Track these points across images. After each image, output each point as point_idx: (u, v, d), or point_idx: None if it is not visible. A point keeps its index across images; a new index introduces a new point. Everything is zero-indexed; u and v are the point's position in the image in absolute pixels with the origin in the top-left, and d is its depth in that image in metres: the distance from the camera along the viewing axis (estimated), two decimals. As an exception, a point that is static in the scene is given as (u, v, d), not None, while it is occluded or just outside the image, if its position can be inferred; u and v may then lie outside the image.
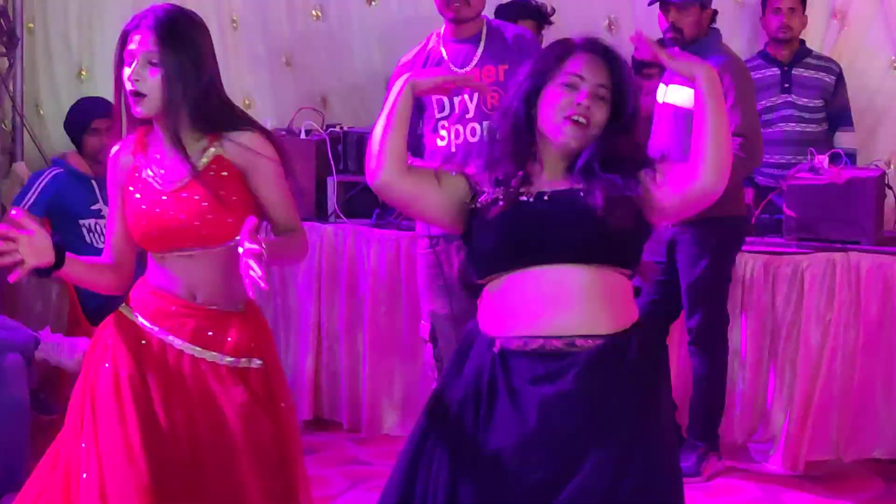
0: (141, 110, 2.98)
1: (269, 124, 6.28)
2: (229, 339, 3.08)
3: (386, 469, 5.12)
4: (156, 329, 3.09)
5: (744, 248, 5.51)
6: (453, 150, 4.92)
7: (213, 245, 3.03)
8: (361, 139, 5.97)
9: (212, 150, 3.03)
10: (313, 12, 7.26)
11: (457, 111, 4.95)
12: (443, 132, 5.02)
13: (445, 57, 5.03)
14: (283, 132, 6.26)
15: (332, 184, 6.12)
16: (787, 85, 6.13)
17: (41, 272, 3.01)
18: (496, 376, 3.15)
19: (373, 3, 7.19)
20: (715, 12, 5.45)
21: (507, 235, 3.17)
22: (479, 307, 3.29)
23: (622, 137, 3.23)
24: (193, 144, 3.02)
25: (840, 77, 6.19)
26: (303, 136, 6.14)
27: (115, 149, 3.16)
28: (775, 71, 6.13)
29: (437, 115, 4.90)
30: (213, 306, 3.10)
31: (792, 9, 6.09)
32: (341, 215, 6.07)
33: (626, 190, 3.11)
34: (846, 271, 5.48)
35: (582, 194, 3.12)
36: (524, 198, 3.17)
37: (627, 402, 3.15)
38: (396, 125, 3.25)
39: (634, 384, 3.19)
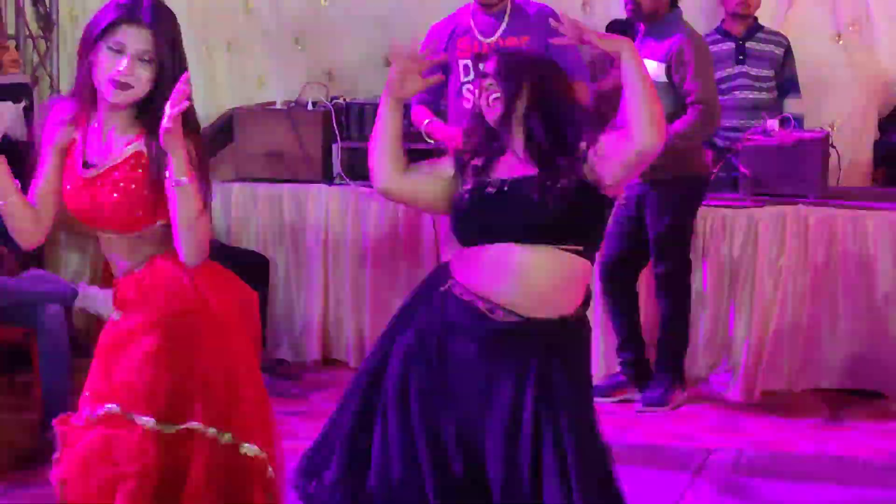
0: (120, 100, 2.78)
1: (280, 98, 6.52)
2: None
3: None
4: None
5: (704, 203, 5.53)
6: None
7: (125, 231, 2.86)
8: (363, 109, 6.07)
9: (135, 145, 2.82)
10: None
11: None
12: (468, 95, 4.95)
13: (473, 26, 5.00)
14: (293, 104, 6.32)
15: (336, 150, 6.14)
16: (741, 57, 6.13)
17: None
18: (444, 318, 3.23)
19: None
20: None
21: (462, 220, 3.26)
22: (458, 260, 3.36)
23: (558, 121, 3.28)
24: (125, 131, 2.83)
25: (788, 49, 6.19)
26: (310, 107, 6.16)
27: (57, 109, 2.97)
28: (731, 44, 6.13)
29: (463, 80, 4.89)
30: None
31: None
32: (345, 178, 6.08)
33: (565, 176, 3.16)
34: (795, 222, 5.55)
35: (536, 183, 3.20)
36: (490, 189, 3.21)
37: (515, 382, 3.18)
38: (388, 137, 3.32)
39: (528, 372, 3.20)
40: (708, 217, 5.63)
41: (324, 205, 6.18)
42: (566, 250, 3.15)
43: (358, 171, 5.97)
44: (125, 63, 2.74)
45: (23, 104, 6.28)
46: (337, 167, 6.21)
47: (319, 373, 6.15)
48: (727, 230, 5.66)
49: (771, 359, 5.61)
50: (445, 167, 3.44)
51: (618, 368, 5.67)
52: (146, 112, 2.78)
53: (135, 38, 2.73)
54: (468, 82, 4.91)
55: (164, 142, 2.68)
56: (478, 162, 3.31)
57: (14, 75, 6.44)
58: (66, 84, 7.14)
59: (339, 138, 6.15)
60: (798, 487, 4.73)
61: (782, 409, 5.54)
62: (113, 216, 2.82)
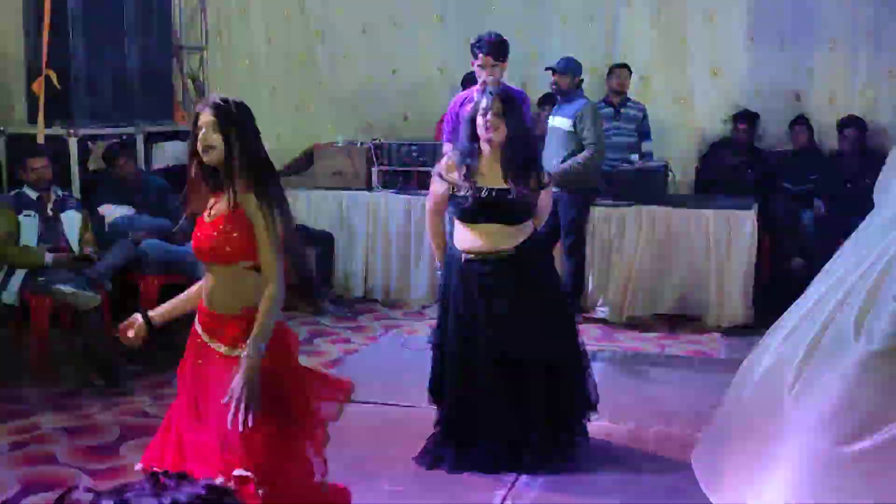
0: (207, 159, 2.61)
1: (341, 138, 6.81)
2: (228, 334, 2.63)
3: (403, 321, 6.12)
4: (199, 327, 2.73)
5: (594, 203, 5.87)
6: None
7: (219, 263, 2.66)
8: (390, 146, 6.52)
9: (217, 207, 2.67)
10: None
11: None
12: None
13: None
14: (349, 142, 6.74)
15: (374, 170, 6.52)
16: (617, 117, 6.42)
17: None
18: (456, 266, 3.61)
19: (395, 72, 7.47)
20: (581, 80, 5.74)
21: (462, 211, 3.58)
22: (458, 232, 3.64)
23: (521, 157, 3.55)
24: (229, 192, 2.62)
25: (645, 113, 6.51)
26: (358, 145, 6.66)
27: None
28: (611, 109, 6.42)
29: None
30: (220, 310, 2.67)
31: (623, 75, 6.46)
32: (380, 188, 6.51)
33: (524, 192, 3.52)
34: (647, 215, 5.94)
35: (502, 193, 3.50)
36: (482, 194, 3.50)
37: (525, 279, 3.59)
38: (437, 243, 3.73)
39: (528, 271, 3.60)
40: (596, 211, 5.92)
41: (367, 204, 6.50)
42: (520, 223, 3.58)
43: (388, 183, 6.52)
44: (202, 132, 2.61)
45: (186, 142, 6.14)
46: (375, 181, 6.55)
47: (362, 304, 6.50)
48: (607, 220, 5.99)
49: (632, 296, 5.96)
50: (441, 188, 3.64)
51: None
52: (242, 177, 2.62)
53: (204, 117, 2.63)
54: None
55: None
56: (465, 174, 3.54)
57: (182, 124, 6.55)
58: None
59: (376, 163, 6.53)
60: (648, 373, 4.99)
61: (640, 326, 5.88)
62: (213, 248, 2.64)
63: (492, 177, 3.55)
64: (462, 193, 3.50)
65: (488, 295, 3.56)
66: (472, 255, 3.57)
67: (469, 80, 5.65)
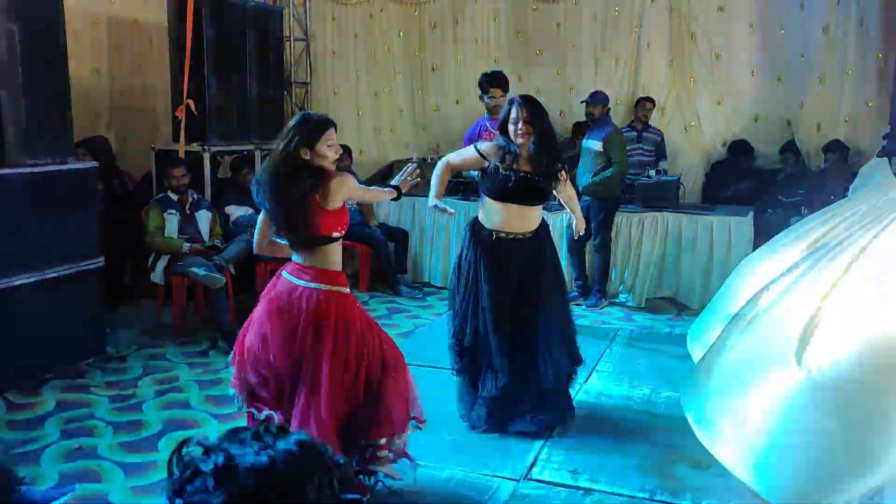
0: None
1: (415, 156, 6.52)
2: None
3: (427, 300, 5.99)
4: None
5: (618, 210, 5.76)
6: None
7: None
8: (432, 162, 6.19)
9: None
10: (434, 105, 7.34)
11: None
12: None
13: (489, 126, 4.67)
14: (421, 159, 6.51)
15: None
16: (639, 140, 6.35)
17: None
18: (490, 243, 3.43)
19: (458, 102, 7.32)
20: (609, 109, 5.64)
21: (503, 189, 3.37)
22: (488, 209, 3.42)
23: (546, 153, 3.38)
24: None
25: (662, 137, 6.42)
26: (429, 160, 6.31)
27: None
28: (635, 133, 6.34)
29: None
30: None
31: (647, 107, 6.33)
32: (444, 195, 6.03)
33: (547, 181, 3.41)
34: (662, 220, 5.82)
35: (534, 177, 3.38)
36: (521, 176, 3.35)
37: (539, 255, 3.51)
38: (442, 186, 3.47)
39: (542, 250, 3.51)
40: (620, 217, 5.84)
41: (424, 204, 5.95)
42: (540, 205, 3.48)
43: (450, 192, 5.99)
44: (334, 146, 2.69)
45: None
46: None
47: (429, 287, 6.39)
48: (629, 223, 5.88)
49: (648, 285, 5.85)
50: (471, 159, 3.48)
51: (574, 287, 5.78)
52: None
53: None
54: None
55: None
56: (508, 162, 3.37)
57: None
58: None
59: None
60: (660, 348, 4.84)
61: (654, 310, 5.75)
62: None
63: (521, 166, 3.41)
64: (503, 174, 3.32)
65: (516, 262, 3.46)
66: (504, 234, 3.43)
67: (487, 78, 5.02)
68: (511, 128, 3.36)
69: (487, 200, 3.41)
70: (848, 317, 2.45)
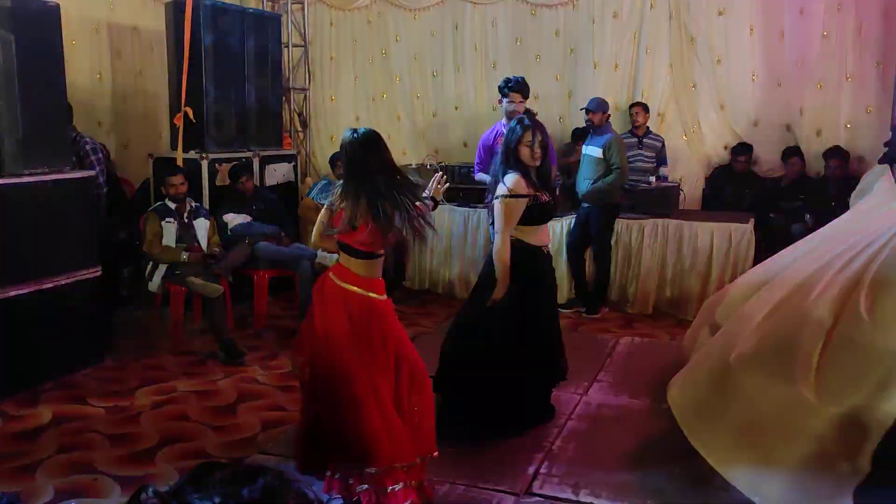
0: None
1: (414, 162, 6.47)
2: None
3: (442, 306, 5.94)
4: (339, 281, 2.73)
5: (618, 217, 5.76)
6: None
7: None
8: (453, 168, 6.23)
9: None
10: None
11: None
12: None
13: (503, 131, 4.42)
14: (420, 165, 6.46)
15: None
16: (640, 146, 6.28)
17: None
18: (536, 256, 3.54)
19: (457, 108, 7.26)
20: (609, 115, 5.65)
21: (544, 214, 3.54)
22: (526, 233, 3.49)
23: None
24: None
25: (663, 143, 6.33)
26: (428, 167, 6.38)
27: None
28: (635, 139, 6.27)
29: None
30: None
31: (640, 113, 6.26)
32: (444, 201, 6.04)
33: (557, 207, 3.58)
34: (662, 226, 5.78)
35: (551, 203, 3.52)
36: (542, 201, 3.48)
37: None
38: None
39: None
40: (620, 223, 5.82)
41: (433, 214, 6.19)
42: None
43: (450, 198, 6.22)
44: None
45: (292, 164, 6.55)
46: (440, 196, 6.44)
47: (429, 294, 6.38)
48: (629, 229, 5.85)
49: (648, 292, 5.80)
50: (520, 206, 3.43)
51: (573, 294, 5.84)
52: None
53: None
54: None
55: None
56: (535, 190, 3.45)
57: (288, 150, 6.66)
58: (319, 157, 7.30)
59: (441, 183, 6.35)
60: (660, 357, 4.71)
61: (654, 317, 5.71)
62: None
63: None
64: (542, 202, 3.43)
65: (550, 275, 3.66)
66: (545, 248, 3.60)
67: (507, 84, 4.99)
68: (526, 150, 3.41)
69: (520, 227, 3.47)
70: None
